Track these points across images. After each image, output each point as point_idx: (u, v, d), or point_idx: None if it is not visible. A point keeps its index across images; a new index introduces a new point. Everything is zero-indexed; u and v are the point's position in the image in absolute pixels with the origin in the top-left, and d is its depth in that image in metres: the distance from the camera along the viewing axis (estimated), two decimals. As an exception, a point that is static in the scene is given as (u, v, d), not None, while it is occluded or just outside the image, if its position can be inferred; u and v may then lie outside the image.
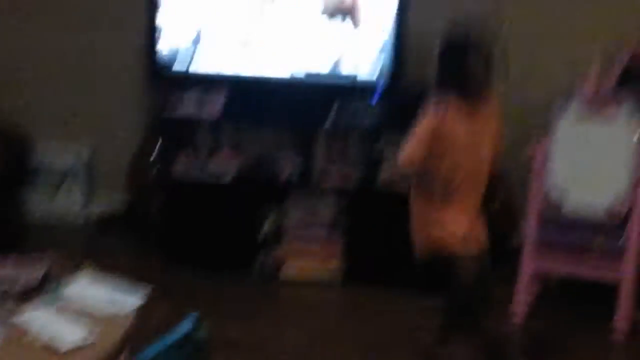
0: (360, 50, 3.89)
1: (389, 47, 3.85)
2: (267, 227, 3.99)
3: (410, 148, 2.69)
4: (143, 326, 2.20)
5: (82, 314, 2.09)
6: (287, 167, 4.01)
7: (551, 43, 4.12)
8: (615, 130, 3.42)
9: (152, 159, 4.24)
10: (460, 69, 2.68)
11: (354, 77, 3.91)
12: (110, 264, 3.87)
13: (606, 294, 3.41)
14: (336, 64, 3.93)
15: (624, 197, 3.36)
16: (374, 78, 3.90)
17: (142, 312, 2.25)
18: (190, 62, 4.05)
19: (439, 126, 2.67)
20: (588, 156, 3.46)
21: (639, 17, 3.98)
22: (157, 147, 4.24)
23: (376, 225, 3.83)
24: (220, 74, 4.05)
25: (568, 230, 3.48)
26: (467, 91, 2.69)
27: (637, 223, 3.35)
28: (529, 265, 3.53)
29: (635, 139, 3.37)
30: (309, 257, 3.96)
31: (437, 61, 2.73)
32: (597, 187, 3.41)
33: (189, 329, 2.03)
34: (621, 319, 3.39)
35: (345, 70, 3.92)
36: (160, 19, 4.02)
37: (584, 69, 3.82)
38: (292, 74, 3.97)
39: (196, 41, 4.03)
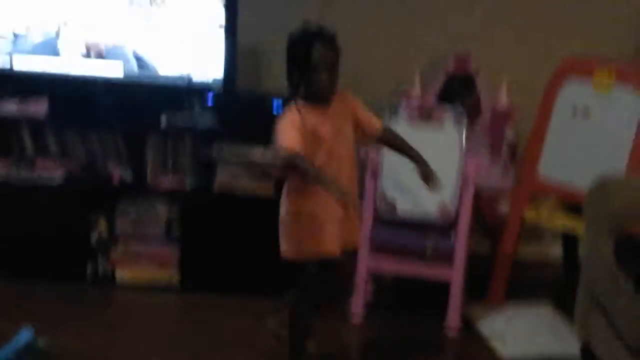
0: (194, 51, 3.83)
1: (223, 50, 3.81)
2: (98, 231, 3.87)
3: (288, 136, 2.74)
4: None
5: None
6: (118, 170, 3.89)
7: (375, 57, 4.26)
8: (443, 135, 3.56)
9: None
10: (306, 83, 2.79)
11: (189, 78, 3.84)
12: None
13: (439, 290, 3.54)
14: (171, 65, 3.85)
15: (454, 198, 3.50)
16: (209, 80, 3.85)
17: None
18: (11, 60, 3.85)
19: (303, 122, 2.76)
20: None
21: (455, 34, 4.20)
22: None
23: (213, 228, 3.80)
24: (45, 72, 3.87)
25: (402, 232, 3.58)
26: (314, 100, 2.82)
27: (465, 223, 3.51)
28: (364, 267, 3.60)
29: (461, 140, 3.52)
30: (144, 261, 3.87)
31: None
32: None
33: (25, 341, 1.93)
34: (453, 316, 3.53)
35: (179, 71, 3.84)
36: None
37: (408, 79, 4.04)
38: (124, 74, 3.85)
39: (18, 37, 3.83)
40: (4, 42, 3.84)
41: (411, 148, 3.09)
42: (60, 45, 3.85)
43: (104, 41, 3.85)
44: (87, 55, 3.85)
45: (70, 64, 3.86)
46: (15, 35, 3.84)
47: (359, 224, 3.10)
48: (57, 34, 3.83)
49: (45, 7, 3.81)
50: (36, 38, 3.84)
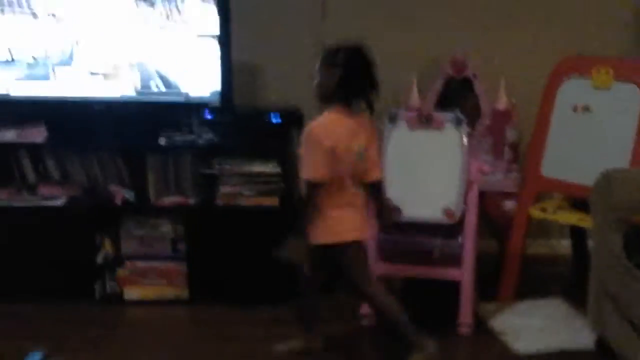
0: (191, 67, 3.83)
1: (219, 66, 3.81)
2: (104, 252, 3.85)
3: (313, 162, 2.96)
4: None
5: None
6: (120, 190, 3.88)
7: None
8: (444, 139, 3.55)
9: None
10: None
11: (186, 95, 3.84)
12: None
13: (449, 290, 3.53)
14: (167, 82, 3.85)
15: (458, 198, 3.49)
16: (206, 96, 3.85)
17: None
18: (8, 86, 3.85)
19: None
20: (422, 162, 3.56)
21: (450, 38, 4.22)
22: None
23: (219, 241, 3.80)
24: (41, 96, 3.86)
25: (409, 235, 3.57)
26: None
27: (471, 223, 3.49)
28: (373, 270, 3.57)
29: (463, 144, 3.52)
30: (152, 278, 3.85)
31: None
32: (433, 191, 3.52)
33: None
34: (465, 314, 3.52)
35: (177, 87, 3.84)
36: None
37: (406, 87, 4.05)
38: (121, 94, 3.85)
39: (12, 62, 3.84)
40: (3, 70, 3.84)
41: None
42: (55, 70, 3.85)
43: (104, 61, 3.85)
44: (93, 73, 3.85)
45: (66, 87, 3.85)
46: (11, 61, 3.85)
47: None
48: (48, 57, 3.83)
49: (41, 33, 3.82)
50: (30, 63, 3.84)
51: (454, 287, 3.51)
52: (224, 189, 3.81)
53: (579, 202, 3.61)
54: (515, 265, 3.78)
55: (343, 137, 2.99)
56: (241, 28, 3.94)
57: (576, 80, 3.65)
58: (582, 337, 3.37)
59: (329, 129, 2.98)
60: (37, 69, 3.85)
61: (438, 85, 4.11)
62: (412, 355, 3.15)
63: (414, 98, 4.04)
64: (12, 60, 3.85)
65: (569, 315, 3.64)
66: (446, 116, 3.57)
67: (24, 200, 3.85)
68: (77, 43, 3.83)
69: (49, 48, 3.83)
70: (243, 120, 3.99)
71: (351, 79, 2.99)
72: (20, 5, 3.81)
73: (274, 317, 3.68)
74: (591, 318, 3.12)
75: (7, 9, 3.79)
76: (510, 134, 3.96)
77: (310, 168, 2.98)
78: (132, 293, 3.87)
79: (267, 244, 3.71)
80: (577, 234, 3.97)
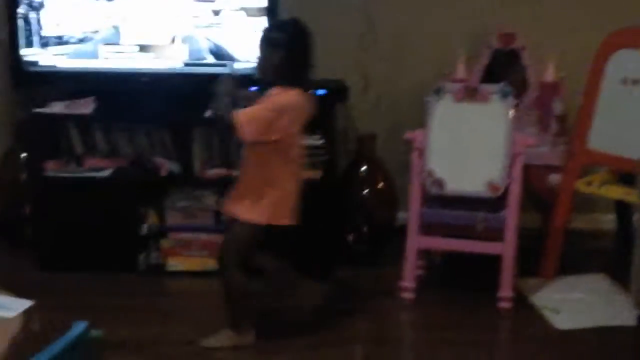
0: (237, 39, 3.84)
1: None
2: (149, 223, 3.90)
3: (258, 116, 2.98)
4: (29, 335, 2.10)
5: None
6: (166, 163, 3.92)
7: (418, 39, 4.25)
8: (490, 110, 3.53)
9: (21, 160, 4.07)
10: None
11: (232, 67, 3.84)
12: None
13: (490, 264, 3.51)
14: (215, 54, 3.88)
15: (503, 172, 3.45)
16: (252, 69, 3.85)
17: (26, 321, 2.16)
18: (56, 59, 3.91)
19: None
20: (466, 135, 3.56)
21: (496, 10, 4.17)
22: (27, 150, 4.07)
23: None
24: (91, 68, 3.91)
25: (451, 208, 3.55)
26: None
27: (515, 197, 3.47)
28: (413, 244, 3.58)
29: (509, 116, 3.48)
30: (195, 250, 3.89)
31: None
32: (477, 164, 3.51)
33: (80, 333, 1.93)
34: (506, 288, 3.50)
35: (224, 59, 3.86)
36: (23, 11, 3.85)
37: (452, 61, 4.00)
38: (169, 66, 3.88)
39: (62, 35, 3.89)
40: (55, 47, 3.90)
41: None
42: (103, 47, 3.90)
43: (152, 34, 3.89)
44: (141, 47, 3.90)
45: (115, 60, 3.90)
46: (60, 39, 3.90)
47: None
48: (96, 33, 3.88)
49: (89, 9, 3.88)
50: (79, 40, 3.90)
51: (494, 260, 3.49)
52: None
53: (625, 176, 3.56)
54: (559, 239, 3.73)
55: None
56: (287, 2, 3.92)
57: (626, 53, 3.58)
58: (624, 313, 3.34)
59: None
60: (86, 47, 3.91)
61: (485, 58, 4.06)
62: (228, 332, 3.21)
63: (461, 70, 4.00)
64: (61, 37, 3.91)
65: (612, 292, 3.60)
66: (492, 88, 3.53)
67: (72, 171, 3.91)
68: (125, 19, 3.87)
69: (97, 25, 3.88)
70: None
71: (293, 60, 3.00)
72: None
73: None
74: (634, 294, 3.08)
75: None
76: (558, 107, 3.90)
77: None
78: (175, 264, 3.91)
79: (309, 215, 3.74)
80: (623, 209, 3.91)
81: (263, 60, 3.06)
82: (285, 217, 3.14)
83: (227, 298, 3.20)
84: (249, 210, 3.10)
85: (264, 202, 3.08)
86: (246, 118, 2.95)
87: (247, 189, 3.13)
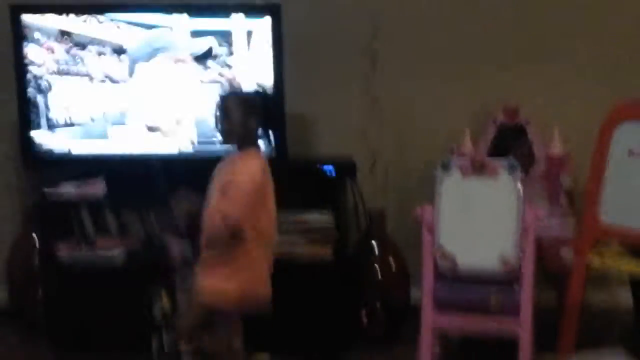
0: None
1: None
2: (161, 306, 3.88)
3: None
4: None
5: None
6: (178, 243, 3.92)
7: (424, 114, 4.31)
8: (498, 186, 3.52)
9: (33, 246, 4.08)
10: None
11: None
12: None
13: (508, 344, 3.47)
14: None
15: (515, 245, 3.45)
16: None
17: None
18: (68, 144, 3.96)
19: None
20: (475, 210, 3.54)
21: (500, 85, 4.23)
22: (38, 233, 4.09)
23: (276, 293, 3.78)
24: (100, 154, 3.96)
25: (464, 287, 3.53)
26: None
27: (529, 274, 3.45)
28: (428, 323, 3.55)
29: (518, 190, 3.49)
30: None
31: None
32: (488, 238, 3.49)
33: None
34: (525, 367, 3.45)
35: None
36: (33, 96, 3.93)
37: (458, 136, 4.04)
38: (179, 149, 3.92)
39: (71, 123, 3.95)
40: (62, 129, 3.96)
41: None
42: (112, 129, 3.96)
43: (160, 118, 3.95)
44: (150, 129, 3.95)
45: (124, 144, 3.95)
46: (70, 123, 3.96)
47: None
48: (105, 116, 3.94)
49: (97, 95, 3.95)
50: (88, 123, 3.97)
51: (512, 341, 3.44)
52: (279, 244, 3.82)
53: (638, 248, 3.54)
54: (575, 315, 3.69)
55: None
56: (292, 81, 3.98)
57: (631, 125, 3.59)
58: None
59: None
60: (94, 128, 3.96)
61: (491, 132, 4.10)
62: None
63: (467, 145, 4.04)
64: (71, 121, 3.96)
65: (630, 366, 3.55)
66: (500, 163, 3.55)
67: (84, 255, 3.91)
68: (133, 102, 3.93)
69: (105, 108, 3.94)
70: (297, 171, 4.03)
71: (261, 125, 3.15)
72: (77, 72, 3.93)
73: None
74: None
75: (64, 75, 3.92)
76: (565, 181, 3.92)
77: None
78: (189, 348, 3.85)
79: (319, 294, 3.74)
80: (637, 282, 3.88)
81: (235, 123, 3.14)
82: None
83: None
84: None
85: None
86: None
87: None
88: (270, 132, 3.23)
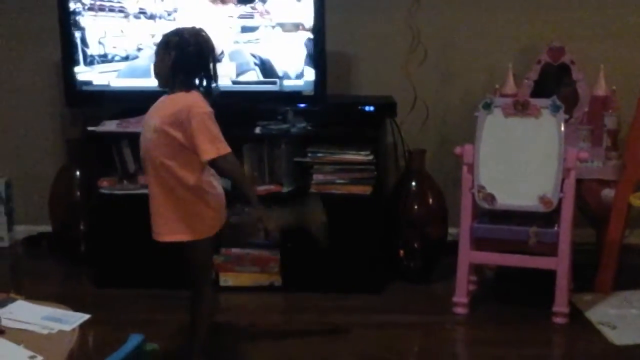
0: (285, 57, 3.88)
1: (312, 55, 3.84)
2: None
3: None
4: (85, 348, 2.14)
5: (23, 335, 2.02)
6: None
7: (466, 54, 4.26)
8: (541, 124, 3.50)
9: (75, 178, 4.14)
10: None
11: (281, 84, 3.88)
12: (40, 288, 3.86)
13: (543, 279, 3.48)
14: (262, 71, 3.91)
15: (555, 186, 3.42)
16: (301, 85, 3.89)
17: (82, 335, 2.19)
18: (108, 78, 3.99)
19: None
20: (516, 150, 3.53)
21: (545, 24, 4.16)
22: (80, 166, 4.14)
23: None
24: (141, 87, 3.97)
25: (502, 222, 3.53)
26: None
27: (568, 211, 3.43)
28: (465, 259, 3.57)
29: (560, 131, 3.45)
30: (246, 264, 3.92)
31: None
32: (528, 178, 3.48)
33: (133, 346, 1.95)
34: (561, 304, 3.46)
35: (272, 77, 3.90)
36: (76, 33, 3.94)
37: (500, 73, 3.99)
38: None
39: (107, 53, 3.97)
40: (104, 63, 3.98)
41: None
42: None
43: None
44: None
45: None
46: (107, 58, 3.98)
47: None
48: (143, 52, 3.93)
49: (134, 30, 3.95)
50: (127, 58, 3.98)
51: (548, 274, 3.45)
52: (317, 177, 3.84)
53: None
54: (613, 255, 3.69)
55: None
56: (334, 18, 3.94)
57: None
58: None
59: None
60: (137, 64, 3.97)
61: (534, 73, 4.03)
62: None
63: (510, 85, 3.98)
64: (106, 55, 3.98)
65: (668, 307, 3.54)
66: (543, 103, 3.51)
67: (125, 189, 3.96)
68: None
69: (143, 43, 3.95)
70: (336, 110, 4.02)
71: (183, 63, 2.94)
72: (111, 9, 3.94)
73: (368, 304, 3.72)
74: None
75: (99, 12, 3.94)
76: (610, 121, 3.85)
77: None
78: (227, 279, 3.94)
79: (359, 231, 3.75)
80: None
81: (158, 63, 3.01)
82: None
83: (194, 338, 3.15)
84: None
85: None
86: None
87: None
88: (204, 76, 3.01)
